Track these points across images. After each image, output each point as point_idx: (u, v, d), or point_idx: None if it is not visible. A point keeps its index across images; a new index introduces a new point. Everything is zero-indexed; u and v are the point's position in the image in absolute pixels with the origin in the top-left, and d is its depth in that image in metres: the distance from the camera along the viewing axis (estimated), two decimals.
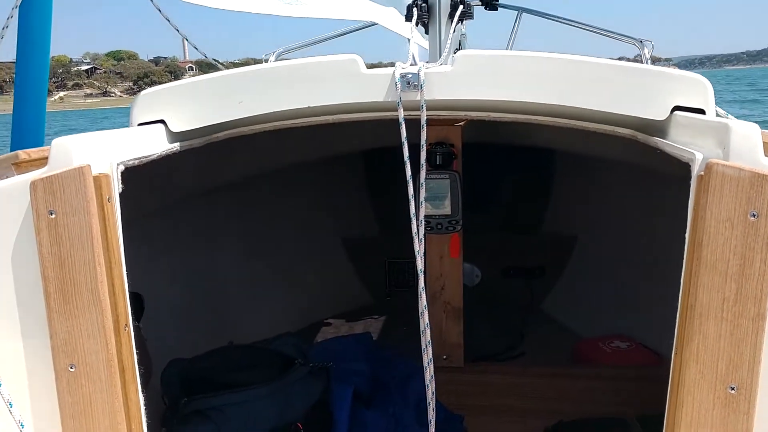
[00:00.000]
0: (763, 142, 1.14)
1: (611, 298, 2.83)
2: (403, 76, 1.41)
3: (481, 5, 3.04)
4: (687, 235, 1.15)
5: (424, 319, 1.37)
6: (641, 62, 2.86)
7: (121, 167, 1.32)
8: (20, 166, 1.54)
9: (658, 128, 1.41)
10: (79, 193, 1.21)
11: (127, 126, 1.59)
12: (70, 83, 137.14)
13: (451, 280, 2.54)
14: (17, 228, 1.26)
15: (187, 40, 4.01)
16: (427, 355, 1.39)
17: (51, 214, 1.22)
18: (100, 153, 1.29)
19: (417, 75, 1.40)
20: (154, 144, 1.51)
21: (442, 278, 2.54)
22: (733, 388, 1.12)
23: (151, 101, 1.57)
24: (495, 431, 2.30)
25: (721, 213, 1.09)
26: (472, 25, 3.22)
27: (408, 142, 1.38)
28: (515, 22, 3.14)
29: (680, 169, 1.21)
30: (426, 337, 1.38)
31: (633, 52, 2.88)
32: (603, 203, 2.99)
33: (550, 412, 2.26)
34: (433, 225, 2.36)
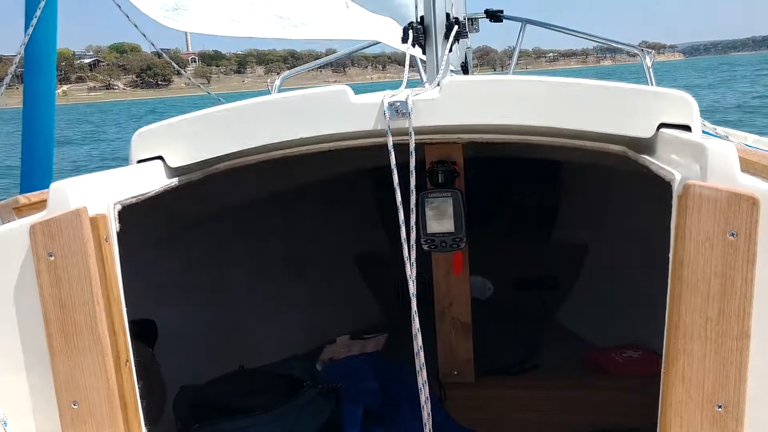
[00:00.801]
0: (743, 159, 1.14)
1: (624, 307, 2.82)
2: (391, 104, 1.44)
3: (486, 18, 3.05)
4: (670, 255, 1.15)
5: (418, 342, 1.40)
6: (645, 71, 2.84)
7: (118, 207, 1.35)
8: (21, 211, 1.59)
9: (646, 145, 1.42)
10: (77, 234, 1.24)
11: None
12: (74, 77, 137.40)
13: (458, 296, 2.54)
14: (19, 270, 1.29)
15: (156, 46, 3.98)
16: (422, 377, 1.41)
17: (50, 256, 1.25)
18: (96, 194, 1.33)
19: (405, 103, 1.43)
20: (152, 181, 1.54)
21: (449, 295, 2.54)
22: (720, 407, 1.12)
23: (149, 139, 1.60)
24: None
25: (700, 233, 1.09)
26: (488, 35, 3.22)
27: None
28: (519, 33, 3.14)
29: None
30: (420, 359, 1.40)
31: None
32: (613, 211, 2.98)
33: (563, 425, 2.26)
34: (437, 243, 2.36)
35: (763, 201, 1.06)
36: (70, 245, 1.25)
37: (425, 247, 2.34)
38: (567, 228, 3.29)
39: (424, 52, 2.38)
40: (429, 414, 1.45)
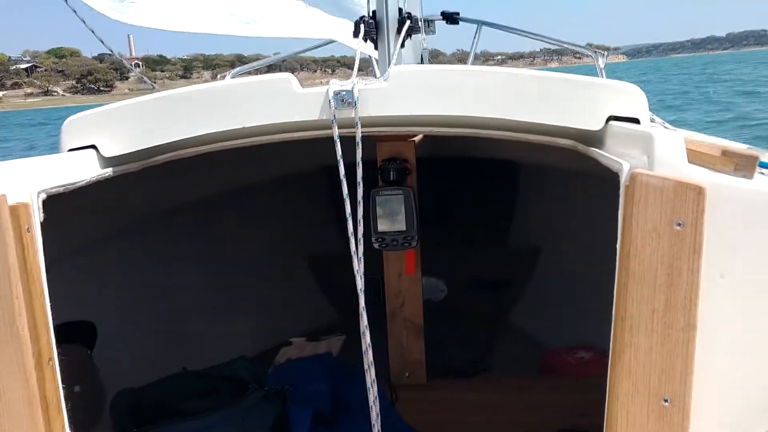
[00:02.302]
0: (690, 150, 1.14)
1: (575, 308, 2.84)
2: (337, 93, 1.40)
3: (443, 20, 3.05)
4: (617, 247, 1.14)
5: (366, 340, 1.37)
6: (598, 73, 2.88)
7: (43, 195, 1.26)
8: None
9: (596, 138, 1.41)
10: None
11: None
12: (9, 82, 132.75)
13: (410, 297, 2.51)
14: None
15: (111, 52, 3.83)
16: (370, 376, 1.40)
17: None
18: (17, 181, 1.24)
19: (351, 92, 1.40)
20: (84, 170, 1.45)
21: (401, 295, 2.50)
22: (666, 400, 1.11)
23: (81, 126, 1.51)
24: None
25: (647, 223, 1.08)
26: (439, 38, 3.21)
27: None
28: (475, 35, 3.15)
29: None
30: (368, 357, 1.39)
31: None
32: (565, 213, 3.01)
33: (515, 426, 2.24)
34: (388, 241, 2.32)
35: (710, 191, 1.06)
36: None
37: (376, 245, 2.30)
38: (520, 229, 3.31)
39: (375, 48, 2.35)
40: (377, 414, 1.44)
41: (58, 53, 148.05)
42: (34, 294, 1.21)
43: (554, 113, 1.39)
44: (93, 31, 3.03)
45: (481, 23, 3.14)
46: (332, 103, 1.39)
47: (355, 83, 1.41)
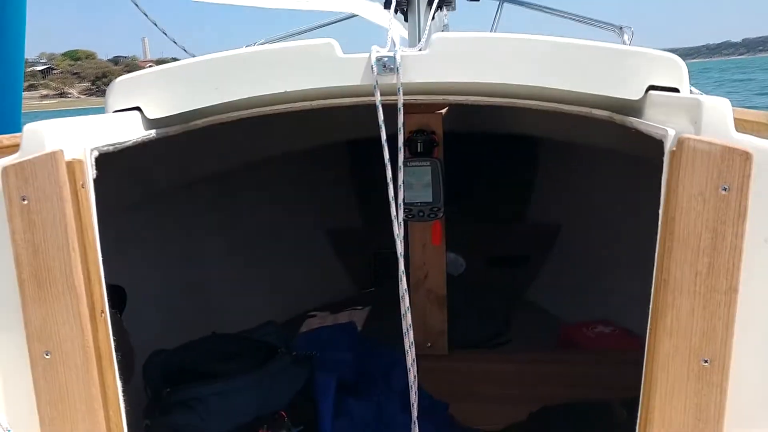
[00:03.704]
0: (736, 119, 1.15)
1: (595, 285, 2.85)
2: (379, 59, 1.39)
3: None
4: (660, 211, 1.15)
5: (405, 303, 1.37)
6: None
7: (95, 153, 1.29)
8: None
9: (634, 108, 1.41)
10: (52, 178, 1.19)
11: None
12: (26, 84, 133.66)
13: (434, 268, 2.53)
14: None
15: (175, 42, 3.88)
16: (409, 339, 1.39)
17: (24, 200, 1.20)
18: (73, 138, 1.27)
19: (393, 58, 1.39)
20: (130, 131, 1.48)
21: (425, 266, 2.53)
22: (706, 361, 1.13)
23: (127, 88, 1.54)
24: (480, 418, 2.29)
25: (693, 187, 1.09)
26: (456, 18, 3.22)
27: (387, 130, 1.37)
28: (497, 11, 3.16)
29: (659, 152, 1.22)
30: (407, 320, 1.38)
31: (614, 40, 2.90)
32: (586, 190, 3.02)
33: (534, 398, 2.26)
34: (414, 213, 2.35)
35: (756, 156, 1.07)
36: (44, 189, 1.19)
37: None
38: (541, 204, 3.32)
39: (406, 19, 2.38)
40: (415, 376, 1.41)
41: (73, 55, 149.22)
42: (89, 248, 1.25)
43: (595, 81, 1.38)
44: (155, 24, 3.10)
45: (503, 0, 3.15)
46: (374, 69, 1.38)
47: (396, 49, 1.41)
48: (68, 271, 1.20)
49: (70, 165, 1.21)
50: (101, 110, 1.64)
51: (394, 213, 1.36)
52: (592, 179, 2.98)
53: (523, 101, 1.53)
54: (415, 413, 1.41)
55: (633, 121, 1.39)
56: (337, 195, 3.35)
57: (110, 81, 1.58)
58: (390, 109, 1.40)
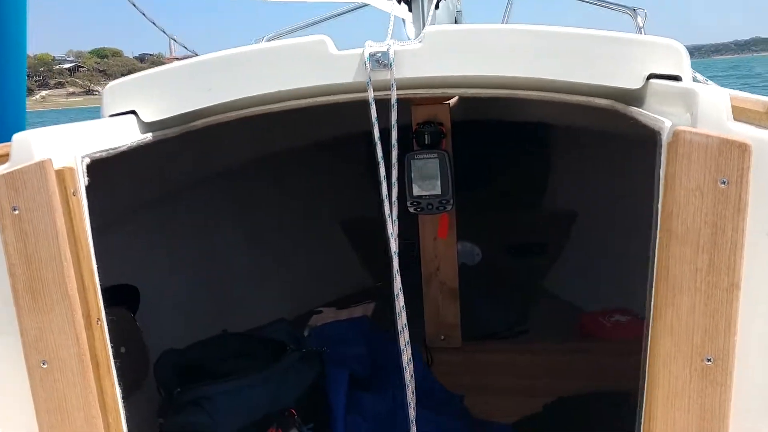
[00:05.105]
0: (735, 107, 1.11)
1: (612, 272, 2.80)
2: (372, 55, 1.38)
3: None
4: (658, 206, 1.11)
5: (399, 302, 1.37)
6: (636, 32, 2.82)
7: (87, 160, 1.29)
8: None
9: (635, 97, 1.37)
10: (41, 187, 1.19)
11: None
12: (53, 82, 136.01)
13: (445, 261, 2.52)
14: None
15: (174, 39, 3.91)
16: (404, 338, 1.39)
17: (14, 210, 1.20)
18: (62, 146, 1.27)
19: (386, 53, 1.38)
20: (124, 135, 1.48)
21: (436, 259, 2.52)
22: (709, 360, 1.09)
23: (120, 92, 1.54)
24: (495, 409, 2.27)
25: (690, 182, 1.05)
26: (472, 6, 3.18)
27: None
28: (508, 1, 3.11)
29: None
30: (402, 319, 1.38)
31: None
32: (601, 177, 2.96)
33: (549, 388, 2.24)
34: (423, 205, 2.33)
35: (755, 148, 1.03)
36: (34, 198, 1.20)
37: (411, 209, 2.31)
38: (555, 192, 3.28)
39: (410, 9, 2.34)
40: (411, 375, 1.43)
41: (100, 53, 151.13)
42: (82, 256, 1.25)
43: (592, 72, 1.35)
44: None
45: None
46: (368, 65, 1.38)
47: (390, 44, 1.39)
48: (61, 280, 1.21)
49: (60, 173, 1.22)
50: None
51: (388, 211, 1.36)
52: (607, 164, 2.92)
53: (525, 92, 1.50)
54: (412, 413, 1.41)
55: (633, 110, 1.35)
56: (352, 186, 3.34)
57: None
58: (388, 104, 1.38)
